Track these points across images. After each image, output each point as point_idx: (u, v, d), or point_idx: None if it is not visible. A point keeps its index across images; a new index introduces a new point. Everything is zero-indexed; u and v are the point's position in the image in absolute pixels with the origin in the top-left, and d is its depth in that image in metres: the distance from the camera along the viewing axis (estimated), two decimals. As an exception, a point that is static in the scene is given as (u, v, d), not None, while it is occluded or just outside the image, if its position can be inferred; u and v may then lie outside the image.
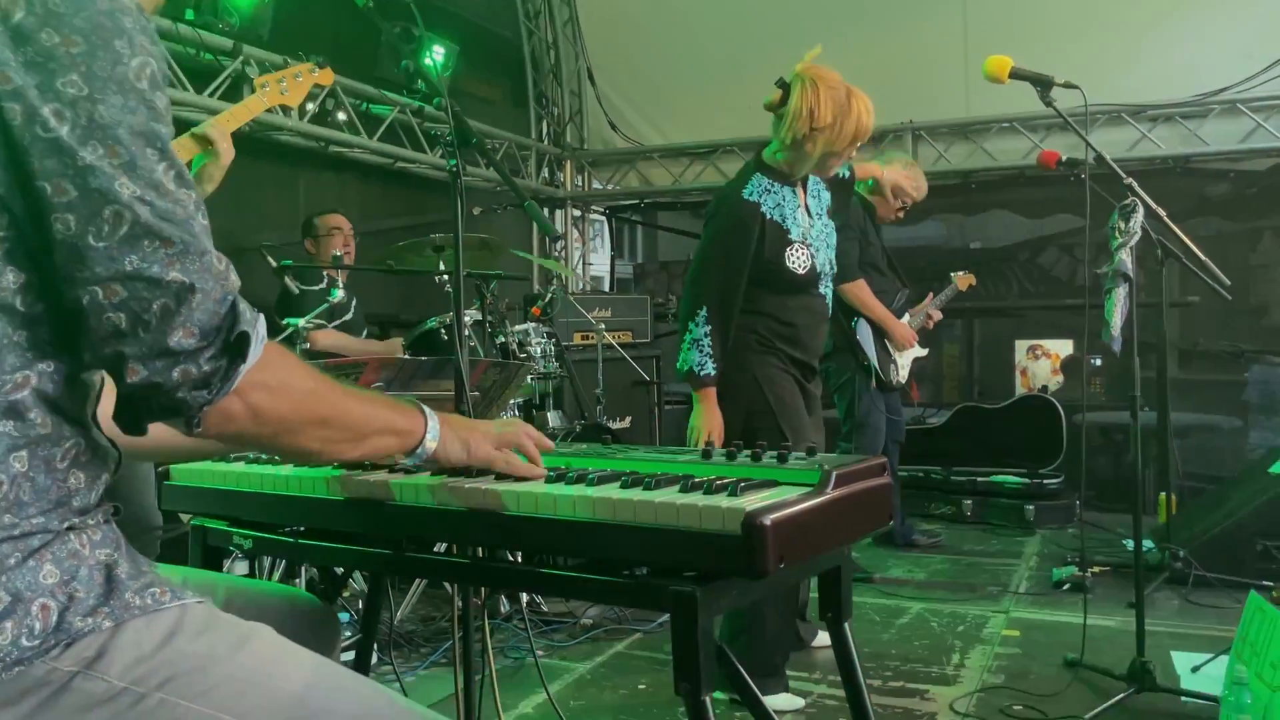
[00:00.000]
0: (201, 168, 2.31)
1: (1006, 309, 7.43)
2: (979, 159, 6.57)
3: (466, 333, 2.27)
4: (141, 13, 1.00)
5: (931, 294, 5.12)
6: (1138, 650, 2.98)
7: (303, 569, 3.24)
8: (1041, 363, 7.32)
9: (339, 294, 3.89)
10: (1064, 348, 7.26)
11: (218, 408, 1.02)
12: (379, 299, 5.64)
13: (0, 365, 0.97)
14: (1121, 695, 2.93)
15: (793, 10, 6.64)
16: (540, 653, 3.59)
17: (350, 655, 2.41)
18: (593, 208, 8.22)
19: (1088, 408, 5.99)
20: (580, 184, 7.95)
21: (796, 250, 3.01)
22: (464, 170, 2.03)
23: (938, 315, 5.11)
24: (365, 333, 4.81)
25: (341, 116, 5.46)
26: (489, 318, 4.02)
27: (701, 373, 2.95)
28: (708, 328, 2.94)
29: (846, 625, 1.56)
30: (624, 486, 1.31)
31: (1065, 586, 4.37)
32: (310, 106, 5.25)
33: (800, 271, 3.02)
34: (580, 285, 7.96)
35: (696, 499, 1.22)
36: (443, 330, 4.13)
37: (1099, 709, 2.88)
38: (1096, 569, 4.56)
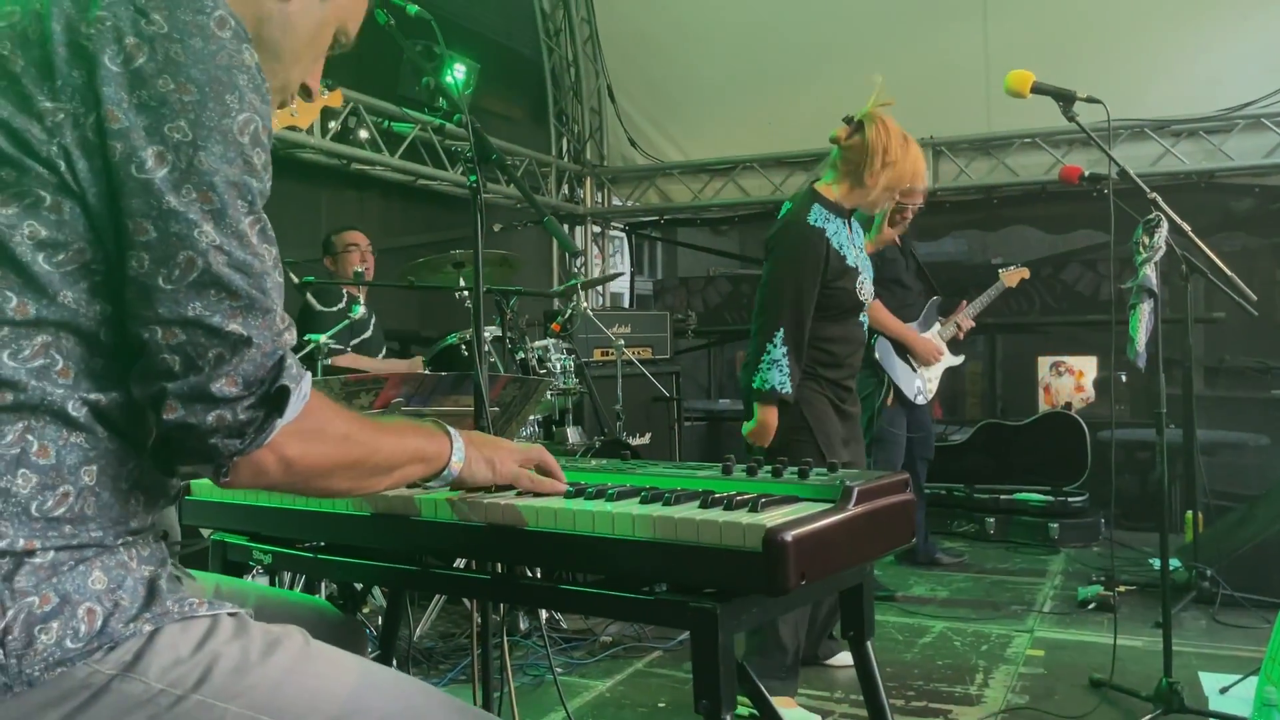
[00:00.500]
0: None
1: (1029, 325, 7.37)
2: (1000, 174, 6.54)
3: (486, 349, 2.27)
4: (258, 72, 1.03)
5: (965, 302, 5.04)
6: (1165, 671, 2.93)
7: (322, 584, 3.24)
8: (1065, 379, 7.25)
9: (360, 310, 3.90)
10: (1087, 364, 7.20)
11: (250, 459, 1.04)
12: (399, 315, 5.67)
13: (77, 387, 1.00)
14: (1149, 717, 2.89)
15: (812, 27, 6.66)
16: (559, 670, 3.57)
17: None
18: (612, 224, 8.23)
19: (1114, 424, 5.93)
20: (600, 200, 7.98)
21: (853, 277, 3.13)
22: (484, 187, 2.03)
23: (969, 324, 5.01)
24: (384, 350, 4.83)
25: (363, 134, 5.50)
26: (509, 334, 4.03)
27: (782, 390, 3.02)
28: (784, 348, 3.03)
29: (869, 644, 1.54)
30: (643, 502, 1.31)
31: (1091, 606, 4.32)
32: (332, 125, 5.30)
33: (860, 298, 3.16)
34: (600, 302, 7.97)
35: (717, 515, 1.21)
36: (463, 346, 4.14)
37: (1126, 730, 2.84)
38: (1122, 588, 4.51)
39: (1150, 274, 2.99)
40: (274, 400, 1.03)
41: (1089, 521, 5.77)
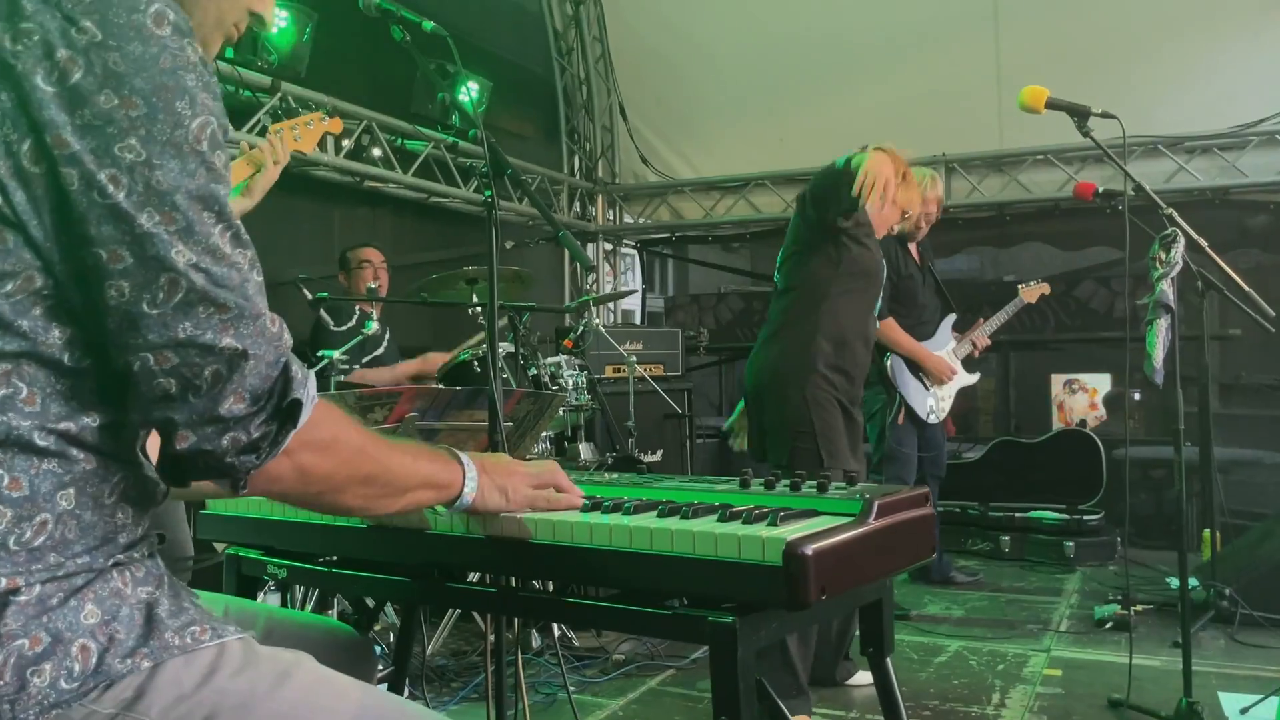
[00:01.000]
0: (247, 185, 2.37)
1: (1042, 342, 7.34)
2: (1013, 191, 6.53)
3: (499, 364, 2.27)
4: (205, 66, 0.97)
5: (981, 320, 4.99)
6: (1185, 691, 2.89)
7: (335, 600, 3.23)
8: (1079, 397, 7.21)
9: (373, 327, 3.91)
10: (1101, 382, 7.16)
11: (264, 470, 1.02)
12: (412, 331, 5.67)
13: (45, 413, 0.96)
14: (1169, 737, 2.85)
15: (823, 45, 6.68)
16: (572, 688, 3.54)
17: (383, 689, 2.39)
18: (624, 241, 8.24)
19: (1128, 442, 5.89)
20: (612, 218, 7.99)
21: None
22: (498, 203, 2.03)
23: (985, 342, 4.97)
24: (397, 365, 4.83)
25: (376, 152, 5.53)
26: (522, 350, 4.02)
27: None
28: None
29: (888, 661, 1.52)
30: (660, 516, 1.29)
31: (1108, 625, 4.27)
32: (345, 143, 5.32)
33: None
34: (612, 318, 7.97)
35: (735, 528, 1.20)
36: (476, 363, 4.14)
37: (1146, 751, 2.80)
38: (1139, 607, 4.46)
39: (1167, 290, 2.98)
40: (286, 413, 1.01)
41: (1105, 540, 5.72)
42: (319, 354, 3.69)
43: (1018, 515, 5.92)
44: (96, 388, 0.99)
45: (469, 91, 5.74)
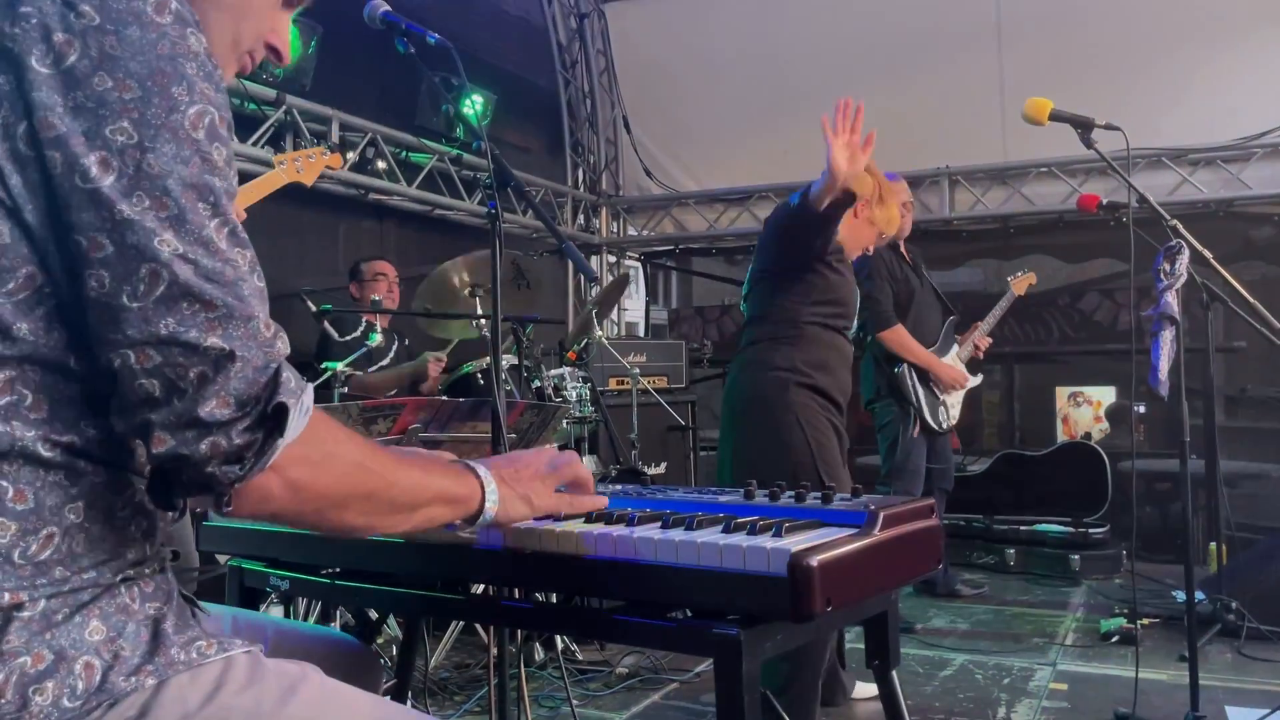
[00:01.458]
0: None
1: (1047, 354, 7.33)
2: (1017, 203, 6.53)
3: (503, 376, 2.27)
4: (209, 58, 0.95)
5: (977, 323, 4.95)
6: (1192, 705, 2.88)
7: (338, 612, 3.22)
8: (1083, 409, 7.20)
9: (376, 339, 3.91)
10: (1106, 394, 7.14)
11: (253, 485, 0.95)
12: (417, 344, 5.67)
13: (51, 422, 0.93)
14: (1177, 752, 2.83)
15: (826, 57, 6.69)
16: (575, 702, 3.53)
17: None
18: (628, 254, 8.26)
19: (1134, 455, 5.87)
20: (615, 230, 8.00)
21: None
22: (502, 215, 2.03)
23: (986, 342, 4.93)
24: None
25: (381, 165, 5.55)
26: (525, 362, 4.02)
27: None
28: None
29: (894, 674, 1.51)
30: (665, 526, 1.29)
31: (1114, 639, 4.25)
32: (351, 155, 5.34)
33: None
34: (615, 331, 7.97)
35: (740, 540, 1.19)
36: (479, 375, 4.15)
37: (1153, 766, 2.78)
38: (1146, 621, 4.44)
39: (1172, 301, 2.97)
40: (272, 420, 0.93)
41: (1110, 553, 5.69)
42: (323, 365, 3.69)
43: (1023, 528, 5.90)
44: (104, 397, 0.95)
45: (473, 104, 5.76)
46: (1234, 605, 4.19)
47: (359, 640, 1.71)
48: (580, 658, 3.96)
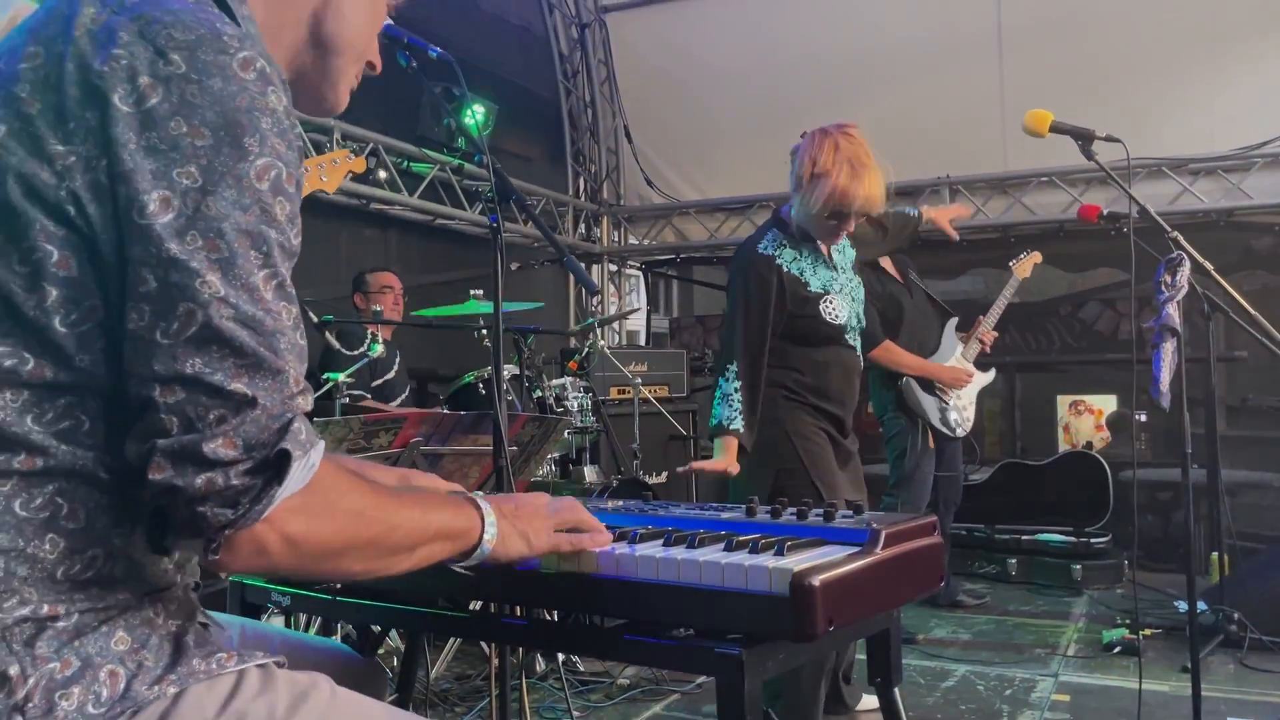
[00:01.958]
0: None
1: (1048, 363, 7.33)
2: (1017, 213, 6.53)
3: (504, 387, 2.27)
4: (286, 116, 0.97)
5: (981, 317, 4.86)
6: (1194, 716, 2.87)
7: (338, 625, 3.22)
8: (1084, 418, 7.20)
9: (378, 349, 3.91)
10: (1107, 403, 7.14)
11: (247, 537, 0.93)
12: (417, 353, 5.68)
13: (109, 447, 0.96)
14: (1179, 765, 2.82)
15: (827, 66, 6.70)
16: (576, 713, 3.52)
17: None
18: (629, 263, 8.26)
19: (1136, 464, 5.86)
20: (617, 239, 8.01)
21: (814, 303, 2.96)
22: (503, 226, 2.03)
23: (992, 336, 4.84)
24: (408, 389, 4.83)
25: (383, 174, 5.55)
26: (527, 372, 4.02)
27: (730, 426, 2.86)
28: (737, 383, 2.89)
29: (896, 691, 1.51)
30: (666, 544, 1.29)
31: (1116, 649, 4.24)
32: (352, 165, 5.34)
33: (836, 322, 2.97)
34: (616, 340, 7.97)
35: (742, 558, 1.19)
36: (481, 385, 4.15)
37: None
38: (1148, 631, 4.43)
39: (1173, 313, 2.97)
40: (273, 466, 0.92)
41: (1112, 563, 5.68)
42: (324, 376, 3.69)
43: (1024, 538, 5.88)
44: None
45: (474, 115, 5.76)
46: (1236, 616, 4.19)
47: (359, 652, 1.71)
48: (581, 669, 3.95)
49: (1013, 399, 7.65)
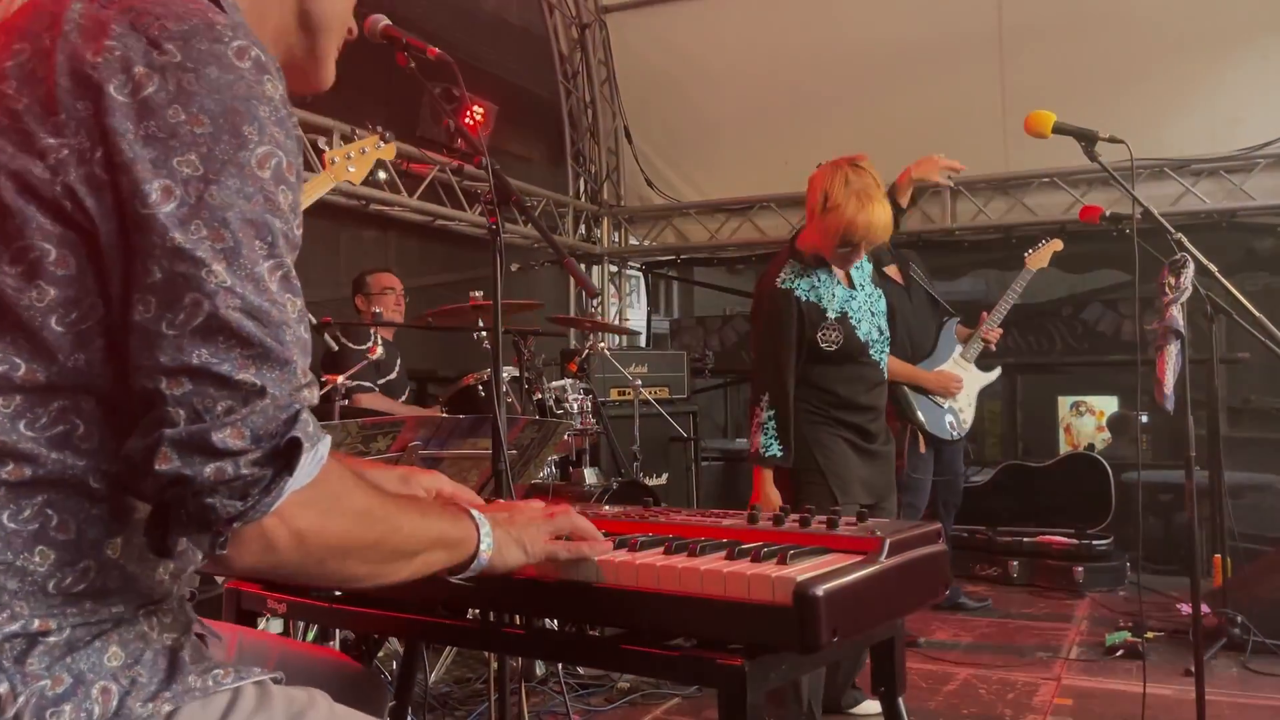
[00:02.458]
0: None
1: (1049, 365, 7.30)
2: (1019, 214, 6.52)
3: (504, 389, 2.25)
4: (283, 104, 0.96)
5: (985, 313, 4.79)
6: (1199, 721, 2.85)
7: (336, 631, 3.20)
8: (1085, 419, 7.17)
9: (380, 351, 3.89)
10: (1109, 404, 7.12)
11: (256, 531, 0.91)
12: (417, 355, 5.67)
13: (102, 453, 0.94)
14: (1184, 770, 2.80)
15: (828, 67, 6.69)
16: (576, 717, 3.50)
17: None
18: (629, 264, 8.25)
19: (1140, 466, 5.84)
20: (617, 240, 8.00)
21: (836, 327, 3.15)
22: (503, 228, 2.02)
23: (996, 333, 4.76)
24: (408, 390, 4.81)
25: (382, 175, 5.53)
26: (526, 374, 4.01)
27: (767, 454, 3.10)
28: (771, 411, 3.11)
29: (900, 700, 1.49)
30: (667, 552, 1.27)
31: (1119, 652, 4.22)
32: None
33: (860, 339, 3.17)
34: (616, 341, 7.96)
35: (744, 567, 1.17)
36: (480, 387, 4.13)
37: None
38: (1151, 634, 4.41)
39: (1176, 315, 2.95)
40: (283, 456, 0.90)
41: (1114, 566, 5.66)
42: (322, 379, 3.67)
43: (1026, 540, 5.86)
44: None
45: (474, 115, 5.75)
46: (1239, 619, 4.17)
47: (357, 658, 1.69)
48: (581, 672, 3.93)
49: (1014, 400, 7.63)
